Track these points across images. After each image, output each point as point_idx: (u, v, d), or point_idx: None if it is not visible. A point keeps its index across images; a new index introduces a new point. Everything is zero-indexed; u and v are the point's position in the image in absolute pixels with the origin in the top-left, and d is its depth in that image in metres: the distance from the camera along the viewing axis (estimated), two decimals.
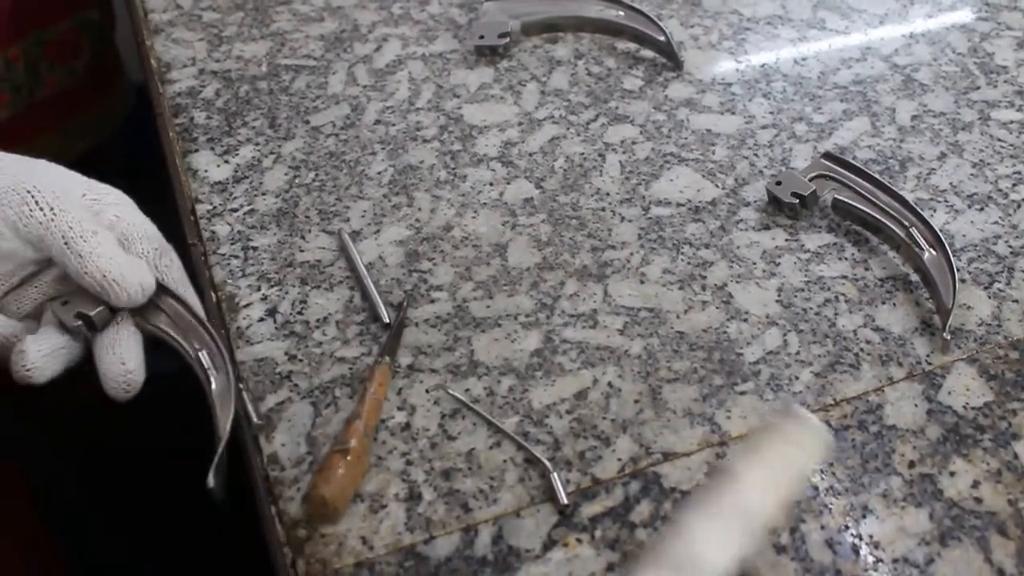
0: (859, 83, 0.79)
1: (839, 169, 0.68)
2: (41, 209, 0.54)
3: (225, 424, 0.54)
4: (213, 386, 0.56)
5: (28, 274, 0.58)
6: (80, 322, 0.56)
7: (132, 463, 1.07)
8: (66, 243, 0.54)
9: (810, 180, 0.68)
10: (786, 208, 0.67)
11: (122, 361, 0.55)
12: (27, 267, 0.57)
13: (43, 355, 0.55)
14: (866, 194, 0.66)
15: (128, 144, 1.12)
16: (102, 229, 0.56)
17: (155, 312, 0.58)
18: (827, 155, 0.70)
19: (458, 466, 0.55)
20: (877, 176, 0.67)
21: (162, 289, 0.58)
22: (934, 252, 0.63)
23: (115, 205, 0.59)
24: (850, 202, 0.66)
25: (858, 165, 0.68)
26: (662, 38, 0.80)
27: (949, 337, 0.59)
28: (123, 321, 0.57)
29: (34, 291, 0.58)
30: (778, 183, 0.68)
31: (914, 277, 0.64)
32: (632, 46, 0.82)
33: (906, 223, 0.64)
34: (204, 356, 0.57)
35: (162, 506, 1.04)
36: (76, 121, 1.04)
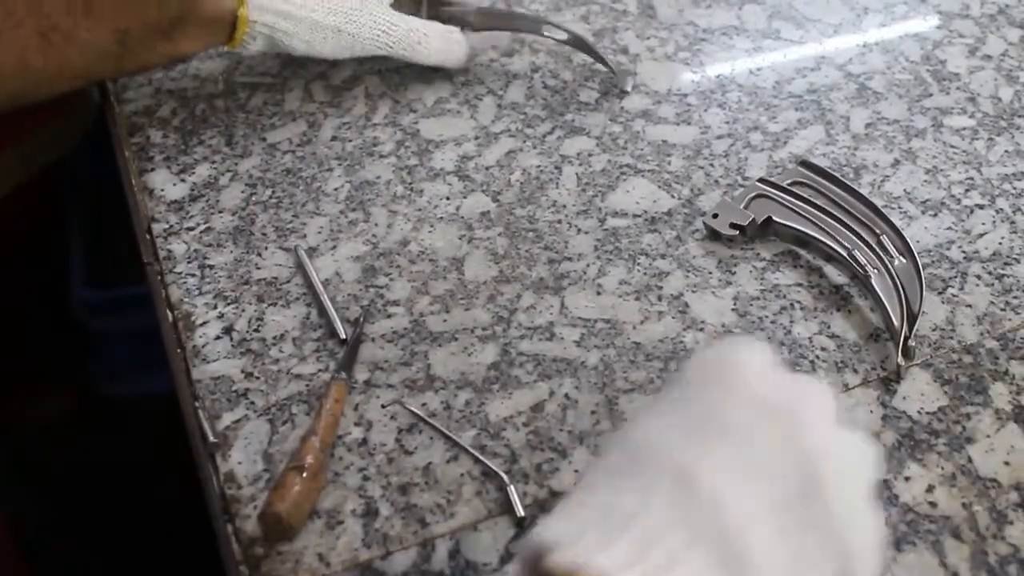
0: (813, 92, 0.80)
1: (814, 177, 0.69)
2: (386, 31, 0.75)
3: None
4: None
5: None
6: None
7: (93, 480, 1.06)
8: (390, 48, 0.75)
9: (747, 203, 0.68)
10: (725, 240, 0.67)
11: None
12: None
13: None
14: (819, 207, 0.67)
15: (90, 161, 1.12)
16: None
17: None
18: (804, 162, 0.70)
19: (415, 481, 0.55)
20: (851, 184, 0.68)
21: None
22: (904, 259, 0.63)
23: None
24: (785, 222, 0.66)
25: (833, 172, 0.69)
26: (605, 69, 0.81)
27: (914, 343, 0.59)
28: None
29: None
30: (715, 216, 0.68)
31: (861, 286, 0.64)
32: (590, 58, 0.83)
33: (877, 230, 0.65)
34: None
35: (119, 523, 1.04)
36: (36, 137, 1.04)
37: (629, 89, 0.80)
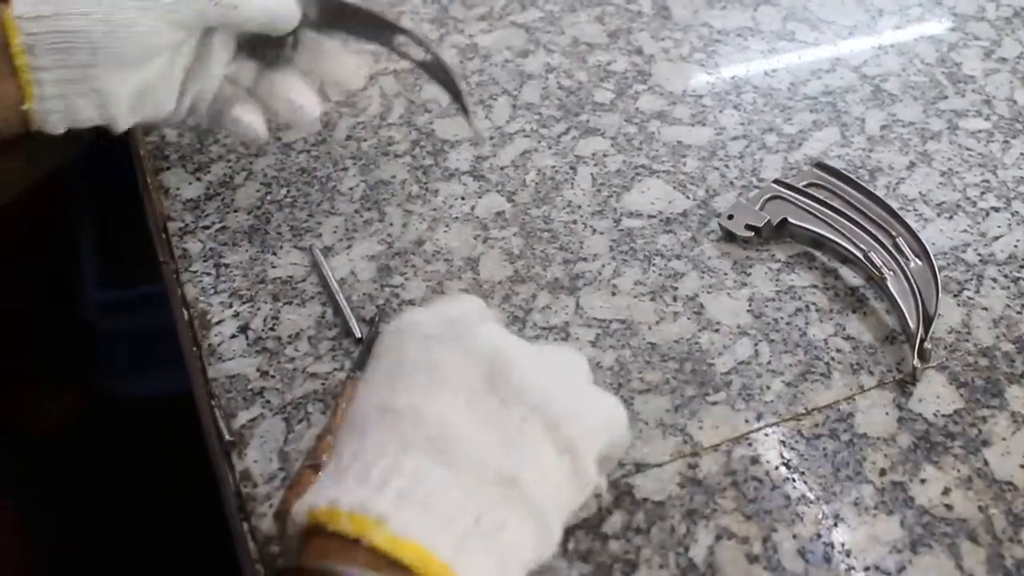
0: (829, 94, 0.80)
1: (830, 178, 0.69)
2: None
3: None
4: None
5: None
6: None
7: (101, 479, 1.07)
8: (216, 3, 0.58)
9: (762, 205, 0.68)
10: (740, 241, 0.67)
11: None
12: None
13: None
14: (835, 208, 0.67)
15: (98, 164, 1.12)
16: None
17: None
18: (819, 164, 0.70)
19: None
20: (867, 186, 0.68)
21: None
22: (919, 261, 0.63)
23: None
24: (802, 224, 0.66)
25: (849, 175, 0.69)
26: (457, 102, 0.69)
27: (930, 346, 0.59)
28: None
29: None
30: (730, 217, 0.68)
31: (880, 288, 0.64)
32: (605, 58, 0.83)
33: (893, 233, 0.65)
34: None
35: (128, 523, 1.04)
36: (44, 138, 1.04)
37: (480, 143, 0.71)
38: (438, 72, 0.68)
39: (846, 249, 0.64)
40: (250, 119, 0.65)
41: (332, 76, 0.68)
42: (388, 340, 0.47)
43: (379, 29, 0.68)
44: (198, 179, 0.73)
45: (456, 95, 0.68)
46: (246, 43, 0.65)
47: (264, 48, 0.65)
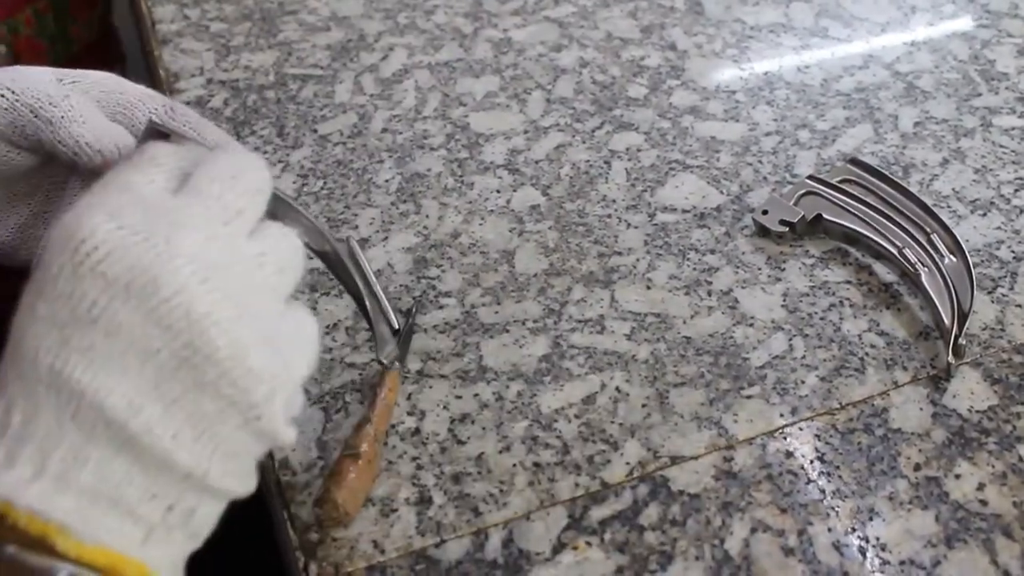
0: (861, 90, 0.80)
1: (864, 175, 0.69)
2: (2, 95, 0.49)
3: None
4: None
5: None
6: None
7: None
8: (35, 114, 0.49)
9: (797, 200, 0.68)
10: (774, 237, 0.68)
11: None
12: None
13: None
14: (869, 204, 0.67)
15: None
16: (76, 94, 0.51)
17: None
18: (853, 160, 0.71)
19: (468, 470, 0.55)
20: (901, 182, 0.68)
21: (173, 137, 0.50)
22: (954, 258, 0.63)
23: (101, 80, 0.53)
24: (837, 220, 0.66)
25: (883, 171, 0.69)
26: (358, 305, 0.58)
27: (964, 342, 0.59)
28: None
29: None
30: (764, 212, 0.68)
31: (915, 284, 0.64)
32: (638, 53, 0.83)
33: (928, 229, 0.65)
34: None
35: None
36: None
37: (383, 360, 0.57)
38: (337, 267, 0.56)
39: (880, 245, 0.64)
40: None
41: None
42: (61, 258, 0.37)
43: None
44: None
45: (357, 297, 0.57)
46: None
47: None
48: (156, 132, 0.48)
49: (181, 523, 0.39)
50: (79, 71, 0.54)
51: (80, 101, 0.50)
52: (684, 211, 0.70)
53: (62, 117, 0.49)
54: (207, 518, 0.40)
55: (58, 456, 0.36)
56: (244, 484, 0.41)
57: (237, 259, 0.40)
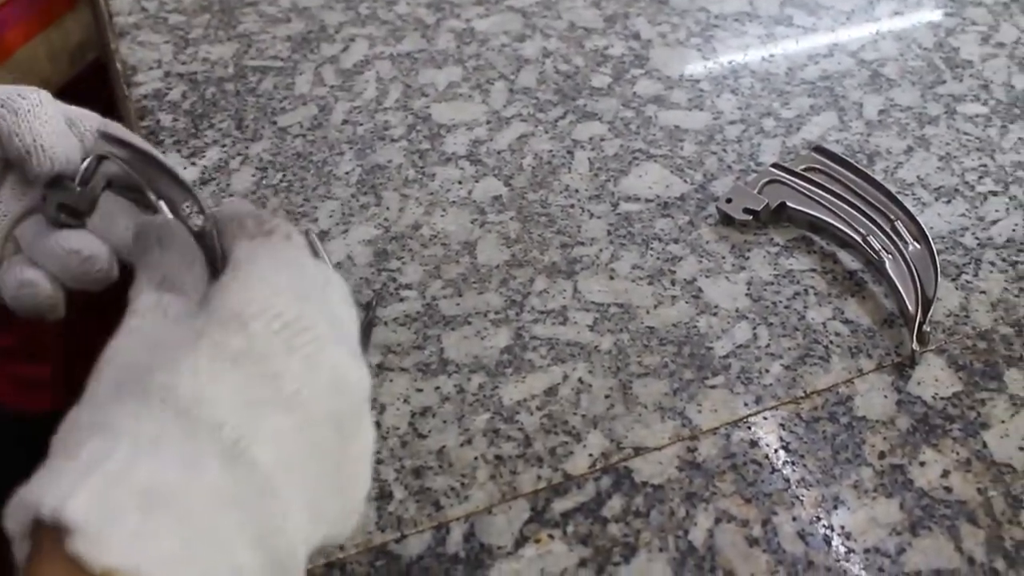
0: (826, 78, 0.79)
1: (828, 162, 0.69)
2: None
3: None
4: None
5: None
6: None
7: None
8: (1, 104, 0.46)
9: (761, 188, 0.68)
10: (738, 225, 0.67)
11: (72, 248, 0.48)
12: None
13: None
14: (833, 192, 0.67)
15: None
16: (46, 94, 0.48)
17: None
18: (818, 148, 0.70)
19: (429, 464, 0.54)
20: (866, 170, 0.68)
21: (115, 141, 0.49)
22: (918, 245, 0.63)
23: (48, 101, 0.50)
24: (801, 208, 0.66)
25: (848, 159, 0.69)
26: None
27: (928, 329, 0.59)
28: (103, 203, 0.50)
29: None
30: (728, 201, 0.67)
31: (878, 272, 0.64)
32: (602, 43, 0.82)
33: (892, 216, 0.65)
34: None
35: None
36: None
37: None
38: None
39: (844, 233, 0.64)
40: (32, 276, 0.51)
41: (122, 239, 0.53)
42: (269, 335, 0.35)
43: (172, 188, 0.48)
44: (193, 164, 0.72)
45: None
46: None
47: (51, 205, 0.50)
48: (109, 138, 0.48)
49: None
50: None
51: (48, 100, 0.48)
52: (647, 200, 0.69)
53: (28, 111, 0.47)
54: None
55: (203, 537, 0.32)
56: None
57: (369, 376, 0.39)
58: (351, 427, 0.37)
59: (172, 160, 0.72)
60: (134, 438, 0.32)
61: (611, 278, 0.64)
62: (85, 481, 0.30)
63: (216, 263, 0.48)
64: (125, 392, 0.34)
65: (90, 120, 0.50)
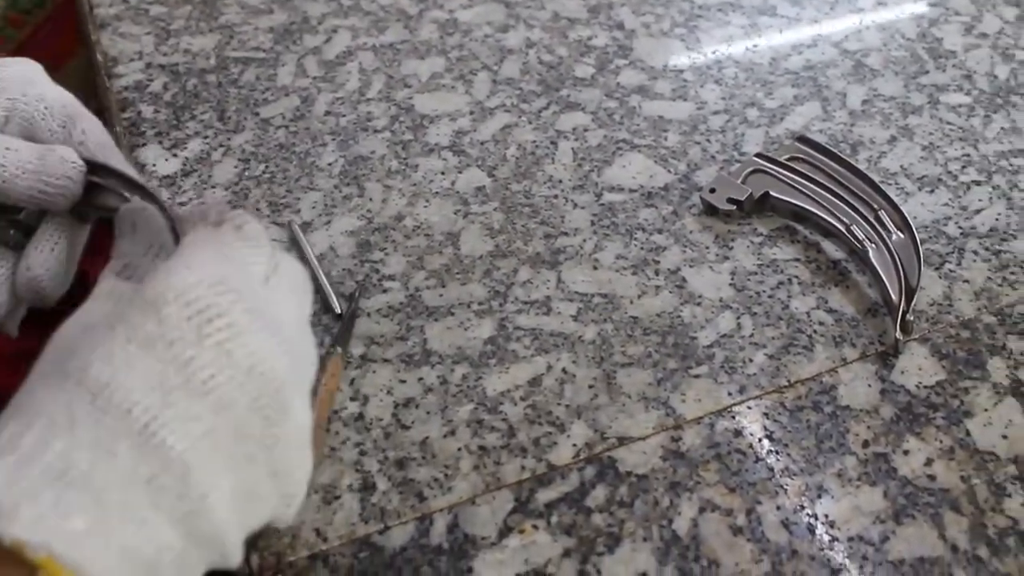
0: (810, 68, 0.79)
1: (812, 152, 0.69)
2: None
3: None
4: None
5: None
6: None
7: None
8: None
9: (744, 178, 0.68)
10: (722, 215, 0.67)
11: (27, 267, 0.48)
12: None
13: None
14: (817, 182, 0.67)
15: None
16: (3, 137, 0.46)
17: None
18: (801, 138, 0.70)
19: (412, 455, 0.54)
20: (849, 160, 0.68)
21: (90, 165, 0.48)
22: (902, 235, 0.63)
23: (15, 77, 0.48)
24: (785, 198, 0.66)
25: (831, 148, 0.68)
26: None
27: (912, 318, 0.59)
28: (49, 220, 0.49)
29: None
30: (712, 191, 0.67)
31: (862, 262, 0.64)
32: (586, 33, 0.82)
33: (875, 206, 0.65)
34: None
35: None
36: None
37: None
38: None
39: (828, 222, 0.64)
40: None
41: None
42: (182, 323, 0.36)
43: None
44: (175, 155, 0.72)
45: None
46: None
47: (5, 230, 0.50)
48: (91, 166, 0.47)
49: None
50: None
51: (8, 143, 0.46)
52: (631, 191, 0.69)
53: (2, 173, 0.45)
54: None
55: (117, 516, 0.33)
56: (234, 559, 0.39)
57: (310, 362, 0.41)
58: (276, 413, 0.37)
59: (154, 152, 0.72)
60: (50, 419, 0.33)
61: (595, 268, 0.64)
62: None
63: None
64: (49, 374, 0.35)
65: (54, 120, 0.49)
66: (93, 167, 0.48)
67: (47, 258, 0.48)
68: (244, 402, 0.36)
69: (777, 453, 0.54)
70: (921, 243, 0.62)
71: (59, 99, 0.49)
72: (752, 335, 0.60)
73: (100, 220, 0.51)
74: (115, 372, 0.34)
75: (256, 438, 0.36)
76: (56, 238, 0.49)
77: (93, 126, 0.50)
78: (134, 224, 0.43)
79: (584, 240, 0.65)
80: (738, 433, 0.55)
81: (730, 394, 0.57)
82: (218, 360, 0.35)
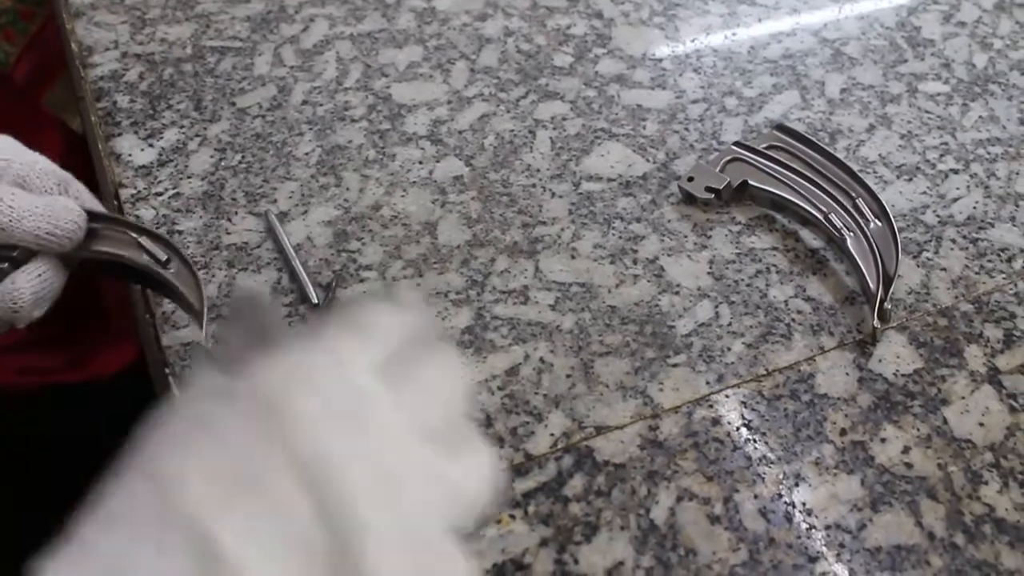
0: (789, 57, 0.79)
1: (790, 141, 0.69)
2: None
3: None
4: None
5: None
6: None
7: (61, 455, 1.05)
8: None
9: (723, 167, 0.67)
10: (700, 204, 0.67)
11: (12, 281, 0.51)
12: None
13: None
14: (795, 170, 0.67)
15: None
16: (3, 186, 0.50)
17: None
18: (780, 126, 0.70)
19: None
20: (828, 148, 0.67)
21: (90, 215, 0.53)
22: (880, 223, 0.63)
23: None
24: (763, 186, 0.66)
25: (809, 137, 0.68)
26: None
27: (890, 306, 0.59)
28: (40, 257, 0.52)
29: None
30: (690, 179, 0.67)
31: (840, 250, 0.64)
32: (564, 22, 0.82)
33: (853, 194, 0.65)
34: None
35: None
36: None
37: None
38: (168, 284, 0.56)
39: (806, 211, 0.64)
40: None
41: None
42: (271, 458, 0.32)
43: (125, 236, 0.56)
44: (150, 145, 0.71)
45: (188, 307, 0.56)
46: None
47: None
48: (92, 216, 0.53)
49: None
50: None
51: (11, 194, 0.50)
52: (609, 180, 0.69)
53: (10, 220, 0.49)
54: None
55: None
56: None
57: None
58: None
59: (129, 142, 0.71)
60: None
61: (573, 257, 0.64)
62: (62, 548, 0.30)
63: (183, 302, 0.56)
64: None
65: (49, 179, 0.53)
66: (92, 216, 0.54)
67: (32, 280, 0.51)
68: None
69: (755, 441, 0.54)
70: (899, 231, 0.62)
71: (50, 165, 0.54)
72: (730, 324, 0.60)
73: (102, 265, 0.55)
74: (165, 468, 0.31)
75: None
76: (43, 269, 0.52)
77: (83, 189, 0.55)
78: (237, 311, 0.40)
79: (562, 229, 0.65)
80: (716, 422, 0.55)
81: (708, 383, 0.57)
82: (303, 501, 0.31)
